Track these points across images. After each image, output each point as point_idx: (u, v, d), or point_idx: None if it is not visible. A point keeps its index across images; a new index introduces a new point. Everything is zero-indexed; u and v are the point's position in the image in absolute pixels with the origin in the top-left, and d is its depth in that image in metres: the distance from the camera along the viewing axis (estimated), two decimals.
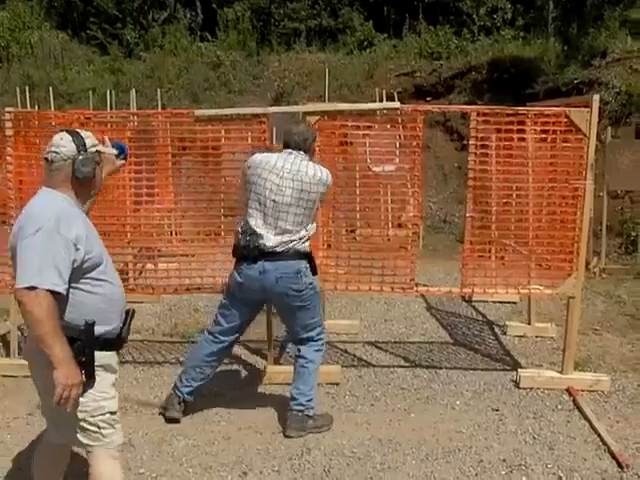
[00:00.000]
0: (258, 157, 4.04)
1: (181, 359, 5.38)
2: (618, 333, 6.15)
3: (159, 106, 10.50)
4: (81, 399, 2.58)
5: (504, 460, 3.81)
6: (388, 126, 5.27)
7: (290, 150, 3.99)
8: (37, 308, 2.43)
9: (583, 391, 4.75)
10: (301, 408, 4.10)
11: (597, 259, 8.40)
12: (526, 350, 5.68)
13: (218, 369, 5.14)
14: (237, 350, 5.60)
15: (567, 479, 3.64)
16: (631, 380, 5.03)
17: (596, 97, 4.60)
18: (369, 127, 4.95)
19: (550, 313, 6.44)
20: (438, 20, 14.85)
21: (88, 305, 2.61)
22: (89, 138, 2.71)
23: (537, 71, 11.92)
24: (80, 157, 2.63)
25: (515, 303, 6.82)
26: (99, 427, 2.69)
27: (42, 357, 2.50)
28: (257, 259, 3.91)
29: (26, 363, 5.09)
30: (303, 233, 3.94)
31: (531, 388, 4.82)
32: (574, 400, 4.63)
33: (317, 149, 4.32)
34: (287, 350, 5.47)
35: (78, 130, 2.76)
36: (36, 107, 9.90)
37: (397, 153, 5.28)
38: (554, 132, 4.83)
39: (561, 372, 4.88)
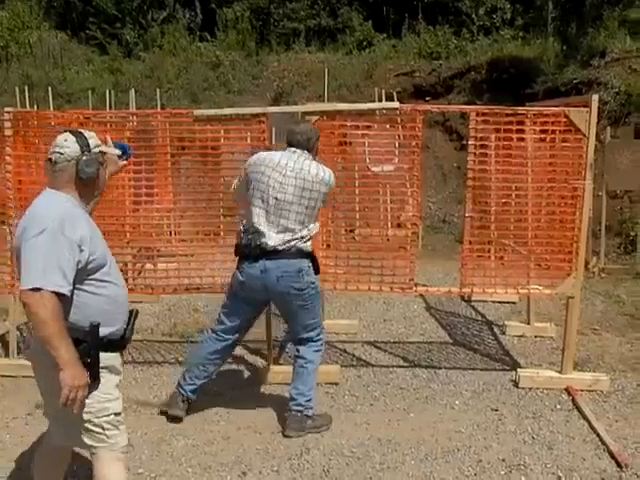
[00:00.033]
0: (262, 155, 4.06)
1: (180, 359, 5.39)
2: (617, 333, 6.15)
3: (158, 106, 10.49)
4: (86, 400, 2.57)
5: (503, 460, 3.81)
6: (387, 126, 5.27)
7: (294, 149, 4.01)
8: (42, 309, 2.41)
9: (582, 391, 4.75)
10: (300, 408, 4.10)
11: (596, 259, 8.41)
12: (525, 350, 5.68)
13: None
14: (236, 350, 5.57)
15: (566, 479, 3.64)
16: (630, 380, 5.03)
17: (595, 97, 4.61)
18: (368, 127, 4.95)
19: (549, 313, 6.45)
20: (437, 20, 14.85)
21: (92, 306, 2.60)
22: (93, 138, 2.70)
23: (536, 71, 11.92)
24: (84, 158, 2.62)
25: (514, 303, 6.82)
26: (103, 428, 2.68)
27: (46, 358, 2.49)
28: (259, 258, 3.91)
29: (25, 363, 5.09)
30: (305, 232, 3.94)
31: (530, 388, 4.82)
32: (573, 400, 4.63)
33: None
34: (286, 350, 5.47)
35: (82, 130, 2.74)
36: (35, 107, 9.90)
37: (396, 153, 5.28)
38: (553, 132, 4.83)
39: (560, 372, 4.88)
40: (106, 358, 2.64)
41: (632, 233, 8.91)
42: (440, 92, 12.59)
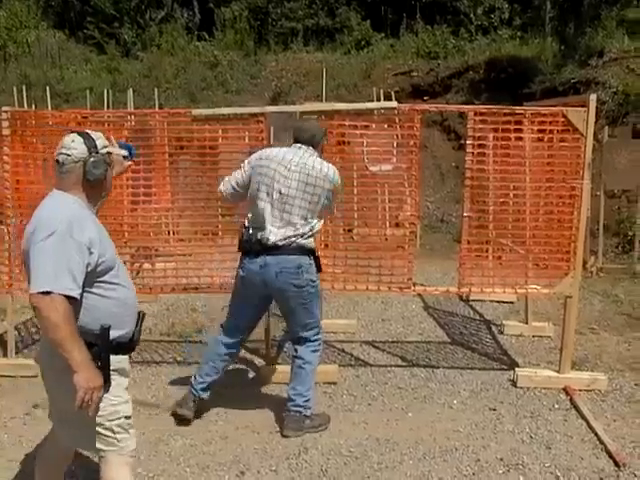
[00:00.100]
0: (267, 150, 4.11)
1: (179, 359, 5.39)
2: (615, 332, 6.16)
3: (156, 106, 10.50)
4: None
5: (501, 459, 3.82)
6: (385, 126, 5.27)
7: (299, 145, 4.04)
8: (54, 313, 2.38)
9: (580, 390, 4.75)
10: (298, 409, 4.10)
11: (594, 258, 8.42)
12: (523, 349, 5.69)
13: None
14: None
15: (564, 478, 3.64)
16: (628, 379, 5.04)
17: (593, 97, 4.61)
18: (366, 127, 4.94)
19: (547, 312, 6.45)
20: (435, 20, 14.87)
21: (101, 309, 2.57)
22: (100, 139, 2.66)
23: (534, 71, 11.93)
24: (91, 159, 2.59)
25: (512, 302, 6.83)
26: (114, 432, 2.66)
27: (55, 361, 2.47)
28: (259, 253, 3.92)
29: (23, 363, 5.12)
30: (307, 228, 3.93)
31: (528, 387, 4.82)
32: (571, 399, 4.64)
33: None
34: (284, 350, 5.47)
35: (89, 131, 2.71)
36: (33, 106, 9.90)
37: (394, 152, 5.28)
38: (551, 132, 4.83)
39: (558, 371, 4.89)
40: (116, 361, 2.61)
41: (630, 233, 8.92)
42: (438, 92, 12.60)
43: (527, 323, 6.05)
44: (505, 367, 5.25)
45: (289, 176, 3.91)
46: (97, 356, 2.50)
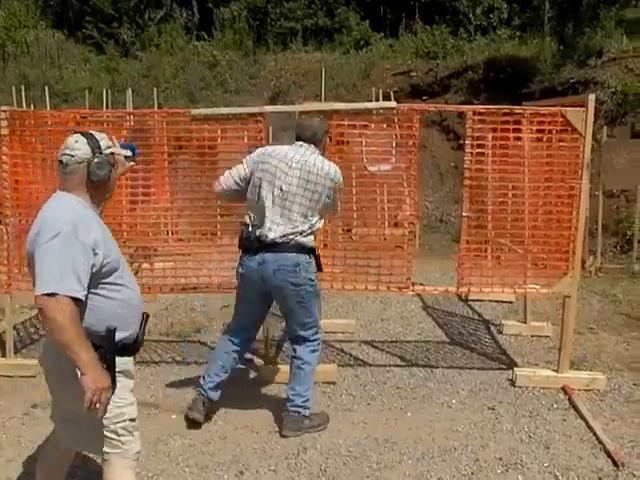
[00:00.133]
0: (269, 147, 4.12)
1: (177, 358, 5.39)
2: (614, 332, 6.16)
3: (155, 105, 10.51)
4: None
5: (500, 459, 3.82)
6: (384, 125, 5.27)
7: (301, 142, 4.04)
8: (60, 314, 2.36)
9: (579, 390, 4.75)
10: (297, 409, 4.10)
11: (593, 258, 8.42)
12: (522, 349, 5.69)
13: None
14: None
15: (563, 478, 3.64)
16: (627, 379, 5.04)
17: (592, 97, 4.61)
18: (365, 126, 4.95)
19: (546, 312, 6.46)
20: (434, 20, 14.89)
21: (106, 310, 2.56)
22: (104, 140, 2.64)
23: (533, 70, 11.94)
24: (95, 160, 2.57)
25: (511, 302, 6.83)
26: (118, 434, 2.64)
27: (61, 363, 2.47)
28: (258, 250, 3.92)
29: (22, 363, 5.11)
30: (306, 226, 3.93)
31: (527, 387, 4.82)
32: (570, 399, 4.64)
33: None
34: (283, 350, 5.47)
35: (92, 132, 2.69)
36: (32, 106, 9.90)
37: (393, 152, 5.28)
38: (550, 131, 4.84)
39: (557, 371, 4.89)
40: (122, 362, 2.60)
41: (628, 232, 8.92)
42: (437, 91, 12.61)
43: (526, 323, 6.05)
44: (504, 367, 5.25)
45: (290, 173, 3.91)
46: (103, 358, 2.48)
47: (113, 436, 2.64)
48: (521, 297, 6.12)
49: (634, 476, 3.64)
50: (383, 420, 4.34)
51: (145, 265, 5.41)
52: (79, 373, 2.42)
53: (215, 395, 4.23)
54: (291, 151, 4.00)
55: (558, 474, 3.66)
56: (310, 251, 4.00)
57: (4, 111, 4.88)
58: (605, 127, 8.92)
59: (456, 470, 3.70)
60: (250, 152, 4.23)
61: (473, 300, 6.92)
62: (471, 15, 14.67)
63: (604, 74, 10.87)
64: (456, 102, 11.53)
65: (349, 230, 5.55)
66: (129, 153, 2.85)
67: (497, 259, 5.34)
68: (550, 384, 4.83)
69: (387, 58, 13.80)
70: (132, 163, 2.93)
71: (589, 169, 4.69)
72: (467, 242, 4.94)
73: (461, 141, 8.67)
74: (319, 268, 4.10)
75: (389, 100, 7.93)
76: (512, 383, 4.89)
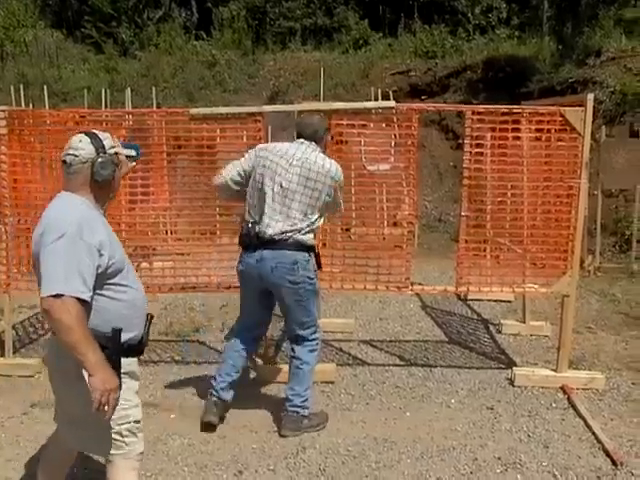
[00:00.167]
0: (271, 144, 4.12)
1: (177, 358, 5.39)
2: (612, 331, 6.17)
3: (154, 105, 10.49)
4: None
5: (499, 458, 3.82)
6: (383, 125, 5.27)
7: (302, 140, 4.04)
8: (66, 315, 2.34)
9: (578, 389, 4.76)
10: (296, 409, 4.10)
11: (591, 258, 8.42)
12: (521, 348, 5.69)
13: (213, 368, 5.15)
14: None
15: (562, 477, 3.64)
16: (625, 378, 5.04)
17: (590, 96, 4.61)
18: (364, 126, 4.95)
19: (545, 312, 6.46)
20: (433, 19, 14.89)
21: (111, 311, 2.54)
22: (108, 140, 2.62)
23: (532, 70, 11.95)
24: (99, 160, 2.55)
25: (510, 302, 6.83)
26: (122, 435, 2.63)
27: (65, 363, 2.46)
28: (257, 247, 3.92)
29: (21, 362, 5.11)
30: (305, 224, 3.91)
31: (526, 386, 4.83)
32: (569, 398, 4.64)
33: None
34: (282, 349, 5.47)
35: (96, 131, 2.67)
36: (30, 106, 9.90)
37: (392, 152, 5.28)
38: (549, 131, 4.84)
39: (556, 370, 4.89)
40: (127, 364, 2.58)
41: (627, 232, 8.92)
42: (436, 91, 12.61)
43: (525, 322, 6.06)
44: (503, 366, 5.26)
45: (290, 170, 3.90)
46: (108, 359, 2.46)
47: (117, 437, 2.63)
48: (520, 296, 6.13)
49: (633, 475, 3.64)
50: (382, 419, 4.34)
51: (144, 264, 5.41)
52: (86, 374, 2.40)
53: (228, 395, 4.19)
54: (292, 148, 4.00)
55: (557, 473, 3.66)
56: (309, 249, 3.98)
57: (3, 110, 4.88)
58: (604, 127, 8.93)
59: (455, 469, 3.70)
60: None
61: (472, 299, 6.92)
62: (470, 15, 14.67)
63: (603, 74, 10.87)
64: (455, 102, 11.54)
65: (348, 229, 5.56)
66: (133, 153, 2.82)
67: (496, 258, 5.35)
68: (549, 383, 4.83)
69: (386, 58, 13.80)
70: (134, 164, 2.90)
71: (588, 168, 4.70)
72: (466, 241, 4.95)
73: (460, 141, 8.67)
74: (319, 266, 4.09)
75: (388, 100, 7.93)
76: (511, 382, 4.89)
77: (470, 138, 4.74)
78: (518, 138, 4.93)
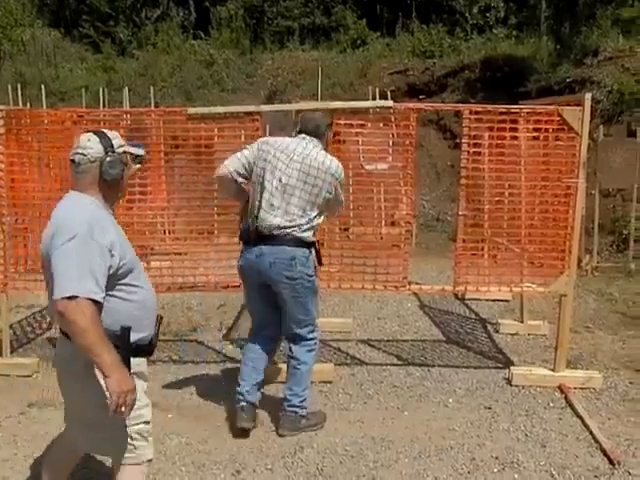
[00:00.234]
0: (273, 138, 4.08)
1: (174, 357, 5.38)
2: (610, 331, 6.18)
3: (152, 104, 10.49)
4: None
5: (496, 458, 3.82)
6: (381, 124, 5.27)
7: (303, 135, 4.02)
8: (80, 317, 2.32)
9: (575, 389, 4.77)
10: (294, 409, 4.09)
11: (589, 257, 8.43)
12: (518, 348, 5.70)
13: (211, 368, 5.16)
14: (231, 348, 5.61)
15: (559, 476, 3.65)
16: (623, 377, 5.05)
17: (588, 96, 4.62)
18: (362, 125, 4.95)
19: (542, 311, 6.47)
20: (431, 19, 14.88)
21: (122, 312, 2.52)
22: (116, 139, 2.61)
23: (530, 69, 11.95)
24: (108, 159, 2.54)
25: (508, 301, 6.84)
26: (132, 438, 2.62)
27: (76, 365, 2.45)
28: (257, 243, 3.90)
29: (18, 362, 5.10)
30: (304, 220, 3.89)
31: (523, 386, 4.83)
32: (566, 398, 4.65)
33: None
34: (281, 349, 5.45)
35: (105, 131, 2.66)
36: (28, 105, 9.89)
37: (390, 151, 5.29)
38: (546, 130, 4.84)
39: (553, 370, 4.90)
40: (136, 364, 2.56)
41: (625, 231, 8.94)
42: (434, 90, 12.60)
43: (522, 322, 6.06)
44: (500, 365, 5.26)
45: (290, 165, 3.88)
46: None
47: (128, 440, 2.61)
48: (517, 296, 6.13)
49: (630, 474, 3.65)
50: (380, 419, 4.34)
51: (142, 264, 5.39)
52: (99, 376, 2.38)
53: (255, 397, 4.13)
54: (293, 143, 3.98)
55: (554, 473, 3.67)
56: (309, 245, 3.97)
57: (0, 110, 4.87)
58: (601, 126, 8.93)
59: (452, 469, 3.70)
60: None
61: (470, 299, 6.93)
62: (468, 14, 14.67)
63: (600, 73, 10.88)
64: (453, 101, 11.54)
65: (346, 229, 5.56)
66: (141, 152, 2.79)
67: (494, 258, 5.35)
68: (546, 383, 4.84)
69: (384, 57, 13.79)
70: (139, 165, 2.86)
71: (585, 168, 4.70)
72: (464, 241, 4.95)
73: (458, 140, 8.69)
74: (319, 262, 4.07)
75: (386, 99, 7.93)
76: (508, 382, 4.89)
77: (468, 137, 4.74)
78: (516, 138, 4.93)
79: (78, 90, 12.01)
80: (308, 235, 3.95)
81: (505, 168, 5.01)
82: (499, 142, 4.89)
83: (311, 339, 4.15)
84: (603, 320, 6.49)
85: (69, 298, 2.33)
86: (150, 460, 2.73)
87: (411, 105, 5.11)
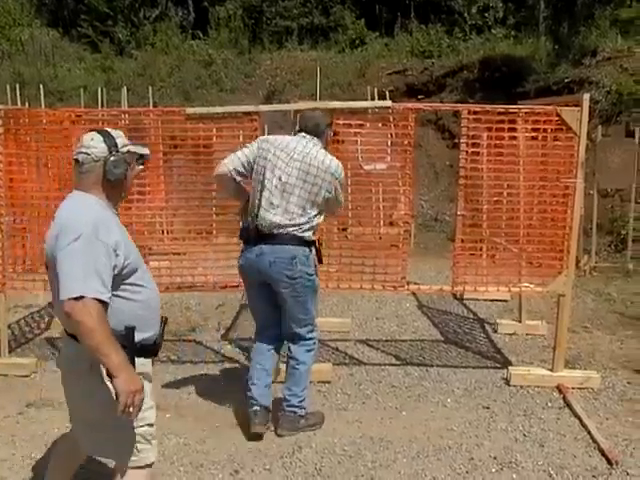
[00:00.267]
0: (273, 136, 4.07)
1: (172, 357, 5.38)
2: (608, 331, 6.18)
3: (150, 104, 10.50)
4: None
5: (495, 457, 3.82)
6: (380, 124, 5.27)
7: (303, 134, 4.01)
8: (87, 317, 2.29)
9: (573, 388, 4.77)
10: (293, 409, 4.09)
11: (587, 257, 8.44)
12: (517, 348, 5.70)
13: (209, 368, 5.15)
14: (228, 348, 5.61)
15: (557, 476, 3.65)
16: (620, 377, 5.05)
17: (586, 96, 4.62)
18: (361, 125, 4.95)
19: (541, 311, 6.46)
20: (430, 19, 14.89)
21: (126, 312, 2.50)
22: (120, 138, 2.57)
23: (528, 70, 11.97)
24: (112, 158, 2.50)
25: (506, 301, 6.84)
26: (135, 440, 2.60)
27: (80, 365, 2.44)
28: (257, 242, 3.90)
29: (16, 362, 5.09)
30: (304, 219, 3.88)
31: (521, 386, 4.83)
32: (564, 397, 4.65)
33: None
34: None
35: (109, 130, 2.62)
36: (27, 105, 9.88)
37: (388, 151, 5.29)
38: (545, 130, 4.85)
39: (551, 370, 4.90)
40: (141, 364, 2.53)
41: (623, 231, 8.95)
42: (432, 90, 12.62)
43: (521, 322, 6.06)
44: (499, 365, 5.26)
45: (290, 164, 3.87)
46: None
47: (130, 442, 2.60)
48: (516, 296, 6.13)
49: (628, 474, 3.65)
50: (378, 419, 4.34)
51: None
52: (105, 376, 2.37)
53: (268, 401, 4.10)
54: (293, 142, 3.97)
55: (552, 472, 3.67)
56: (309, 244, 3.96)
57: None
58: (600, 126, 8.94)
59: (451, 469, 3.70)
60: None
61: (468, 299, 6.92)
62: (466, 14, 14.69)
63: (599, 73, 10.90)
64: (451, 101, 11.55)
65: (344, 229, 5.56)
66: (146, 151, 2.74)
67: (492, 258, 5.36)
68: (545, 383, 4.84)
69: (382, 57, 13.81)
70: (142, 167, 2.80)
71: (584, 168, 4.71)
72: (462, 241, 4.95)
73: (456, 140, 8.70)
74: (319, 260, 4.07)
75: (384, 99, 7.95)
76: (507, 382, 4.89)
77: (466, 137, 4.75)
78: (514, 138, 4.93)
79: (76, 90, 12.01)
80: (308, 234, 3.94)
81: (503, 168, 5.02)
82: (497, 142, 4.89)
83: (310, 339, 4.14)
84: (601, 320, 6.49)
85: (76, 299, 2.31)
86: (152, 463, 2.71)
87: (410, 105, 5.12)
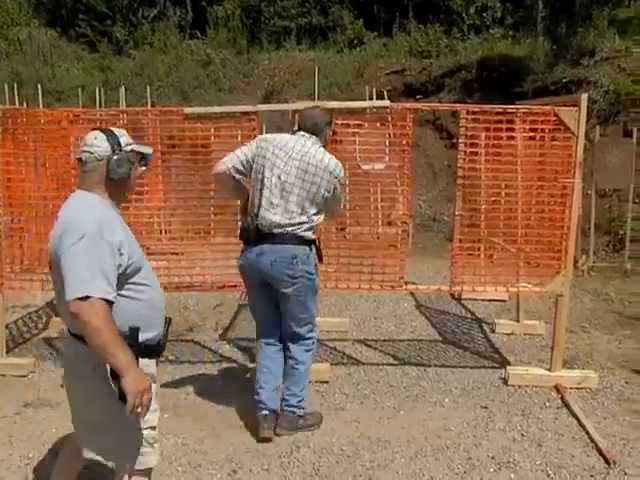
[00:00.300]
0: (272, 135, 4.06)
1: (170, 357, 5.37)
2: (606, 331, 6.19)
3: (148, 104, 10.49)
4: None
5: (493, 457, 3.82)
6: (378, 124, 5.27)
7: (303, 133, 4.00)
8: (94, 317, 2.28)
9: (571, 388, 4.77)
10: (292, 409, 4.09)
11: (585, 257, 8.45)
12: (515, 348, 5.70)
13: (207, 368, 5.15)
14: (227, 348, 5.61)
15: (555, 476, 3.65)
16: (618, 377, 5.06)
17: (584, 96, 4.62)
18: (359, 125, 4.95)
19: (539, 311, 6.47)
20: (428, 19, 14.90)
21: (130, 312, 2.48)
22: (124, 137, 2.56)
23: (526, 70, 11.97)
24: (115, 157, 2.49)
25: (504, 301, 6.84)
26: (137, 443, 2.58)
27: (84, 365, 2.43)
28: (257, 242, 3.89)
29: (14, 362, 5.09)
30: (304, 218, 3.88)
31: (519, 385, 4.84)
32: (562, 397, 4.65)
33: None
34: None
35: (112, 129, 2.60)
36: (24, 104, 9.87)
37: (387, 151, 5.28)
38: (543, 130, 4.86)
39: (549, 369, 4.90)
40: (145, 364, 2.50)
41: (621, 231, 8.96)
42: (431, 90, 12.63)
43: (518, 321, 6.07)
44: (497, 365, 5.27)
45: (289, 163, 3.86)
46: None
47: (133, 445, 2.59)
48: (514, 296, 6.14)
49: (625, 474, 3.65)
50: (376, 419, 4.34)
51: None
52: (108, 374, 2.35)
53: (275, 404, 4.08)
54: (292, 140, 3.96)
55: (550, 472, 3.67)
56: (310, 243, 3.96)
57: None
58: (598, 126, 8.97)
59: (449, 469, 3.70)
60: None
61: (466, 299, 6.93)
62: (464, 14, 14.70)
63: (597, 73, 10.91)
64: (449, 101, 11.56)
65: (343, 229, 5.56)
66: (150, 150, 2.72)
67: (490, 258, 5.36)
68: (542, 382, 4.84)
69: (381, 57, 13.81)
70: (144, 168, 2.77)
71: (582, 168, 4.71)
72: (460, 241, 4.96)
73: (454, 140, 8.69)
74: (320, 259, 4.06)
75: (383, 99, 7.95)
76: (505, 382, 4.90)
77: (464, 137, 4.75)
78: (512, 138, 4.94)
79: (74, 90, 11.98)
80: (308, 233, 3.94)
81: (502, 168, 5.02)
82: (496, 142, 4.89)
83: (309, 338, 4.14)
84: (599, 320, 6.50)
85: (82, 299, 2.29)
86: (153, 467, 2.70)
87: (408, 105, 5.11)
